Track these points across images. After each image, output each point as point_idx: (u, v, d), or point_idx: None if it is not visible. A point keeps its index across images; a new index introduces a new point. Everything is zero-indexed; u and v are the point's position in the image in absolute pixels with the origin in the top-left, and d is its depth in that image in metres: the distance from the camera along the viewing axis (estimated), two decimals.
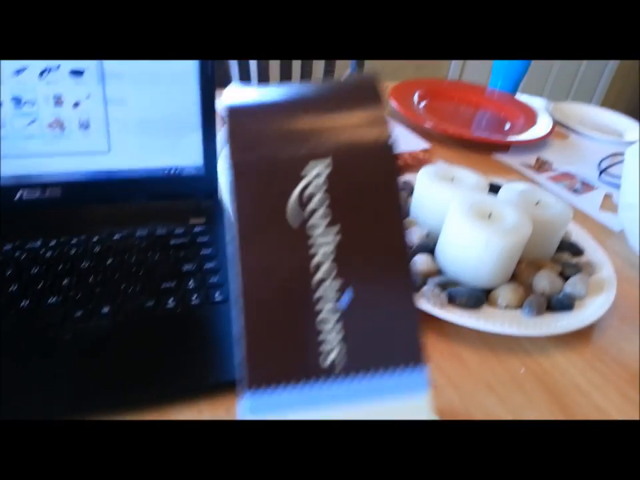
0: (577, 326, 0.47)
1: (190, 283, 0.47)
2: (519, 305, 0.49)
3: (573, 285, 0.52)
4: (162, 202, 0.58)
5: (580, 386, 0.44)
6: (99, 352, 0.40)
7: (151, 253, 0.50)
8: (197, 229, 0.55)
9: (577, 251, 0.59)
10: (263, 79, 1.48)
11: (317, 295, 0.18)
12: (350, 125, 0.19)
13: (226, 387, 0.39)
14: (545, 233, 0.55)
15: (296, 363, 0.18)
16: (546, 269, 0.54)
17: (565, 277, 0.54)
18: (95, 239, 0.51)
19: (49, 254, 0.48)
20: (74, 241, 0.50)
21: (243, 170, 0.19)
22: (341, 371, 0.18)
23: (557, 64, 2.50)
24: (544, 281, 0.52)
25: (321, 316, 0.18)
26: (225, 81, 1.54)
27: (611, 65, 2.63)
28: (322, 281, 0.18)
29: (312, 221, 0.19)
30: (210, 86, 0.58)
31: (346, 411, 0.18)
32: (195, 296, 0.46)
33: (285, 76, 1.50)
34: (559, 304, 0.50)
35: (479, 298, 0.49)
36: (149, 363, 0.39)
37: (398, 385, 0.18)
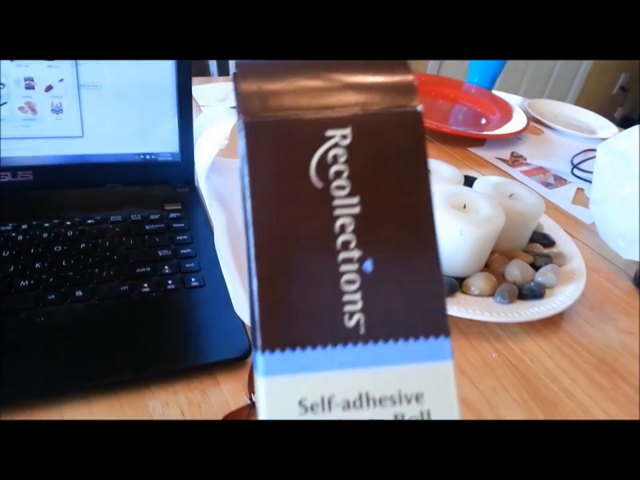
0: (547, 313, 0.48)
1: (165, 268, 0.47)
2: (492, 293, 0.50)
3: (544, 275, 0.53)
4: (137, 188, 0.58)
5: (549, 370, 0.45)
6: (73, 335, 0.39)
7: (125, 238, 0.50)
8: (172, 215, 0.54)
9: (548, 242, 0.60)
10: None
11: (342, 256, 0.18)
12: (375, 87, 0.19)
13: (201, 369, 0.39)
14: (517, 224, 0.56)
15: (320, 321, 0.17)
16: (518, 259, 0.55)
17: (537, 267, 0.55)
18: (68, 223, 0.50)
19: (20, 237, 0.47)
20: (46, 224, 0.49)
21: (257, 130, 0.18)
22: (366, 332, 0.17)
23: (533, 62, 2.54)
24: (516, 270, 0.53)
25: (345, 277, 0.18)
26: (202, 69, 1.53)
27: (585, 65, 2.69)
28: (347, 243, 0.18)
29: (337, 182, 0.18)
30: (186, 73, 0.58)
31: (366, 375, 0.17)
32: (170, 281, 0.46)
33: None
34: (530, 292, 0.51)
35: (453, 286, 0.50)
36: (123, 346, 0.39)
37: (421, 352, 0.18)
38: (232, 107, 0.88)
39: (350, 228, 0.18)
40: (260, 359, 0.17)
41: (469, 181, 0.65)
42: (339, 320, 0.18)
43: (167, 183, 0.59)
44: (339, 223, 0.18)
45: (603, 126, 1.06)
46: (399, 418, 0.17)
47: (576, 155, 0.89)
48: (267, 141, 0.18)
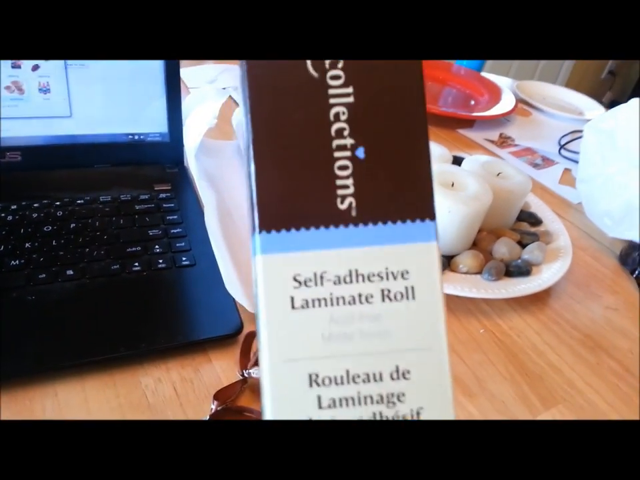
0: (533, 290, 0.49)
1: (156, 247, 0.47)
2: (479, 271, 0.51)
3: (531, 252, 0.54)
4: (126, 168, 0.57)
5: (536, 346, 0.46)
6: (64, 313, 0.40)
7: (115, 218, 0.50)
8: (162, 195, 0.54)
9: (535, 220, 0.61)
10: None
11: (336, 143, 0.19)
12: None
13: (194, 346, 0.40)
14: (505, 203, 0.57)
15: (313, 204, 0.19)
16: (505, 237, 0.55)
17: (524, 245, 0.56)
18: (58, 203, 0.50)
19: (9, 218, 0.47)
20: (36, 205, 0.49)
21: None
22: (357, 214, 0.19)
23: None
24: (503, 247, 0.53)
25: (339, 163, 0.19)
26: None
27: None
28: (341, 130, 0.19)
29: (332, 72, 0.19)
30: None
31: (356, 253, 0.19)
32: (161, 260, 0.46)
33: None
34: (517, 269, 0.51)
35: (441, 263, 0.50)
36: (115, 324, 0.39)
37: (408, 234, 0.19)
38: (222, 89, 0.87)
39: (344, 117, 0.19)
40: (257, 238, 0.18)
41: (457, 162, 0.65)
42: (332, 203, 0.19)
43: (156, 164, 0.59)
44: (333, 111, 0.19)
45: (591, 107, 1.07)
46: (386, 293, 0.19)
47: (563, 136, 0.89)
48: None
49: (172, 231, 0.50)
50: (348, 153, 0.19)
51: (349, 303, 0.18)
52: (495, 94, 0.98)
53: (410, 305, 0.19)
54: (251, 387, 0.38)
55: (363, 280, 0.19)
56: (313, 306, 0.18)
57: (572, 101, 1.09)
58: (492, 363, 0.44)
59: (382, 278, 0.19)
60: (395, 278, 0.19)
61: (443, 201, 0.50)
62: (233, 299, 0.43)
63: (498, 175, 0.59)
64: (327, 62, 0.19)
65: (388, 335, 0.18)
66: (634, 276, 0.58)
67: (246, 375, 0.37)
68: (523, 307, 0.50)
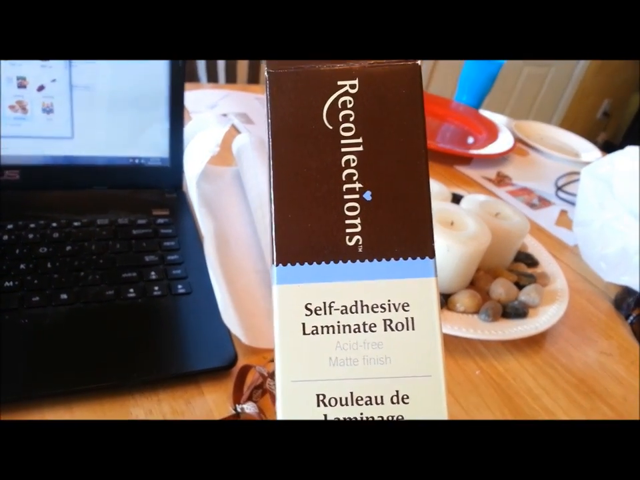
0: (529, 332, 0.49)
1: (152, 274, 0.47)
2: (476, 311, 0.51)
3: (528, 294, 0.54)
4: (125, 191, 0.57)
5: (531, 389, 0.46)
6: (56, 338, 0.39)
7: (111, 242, 0.49)
8: (159, 221, 0.54)
9: (532, 262, 0.61)
10: (231, 79, 1.47)
11: (346, 187, 0.21)
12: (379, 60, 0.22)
13: (186, 378, 0.39)
14: (503, 243, 0.57)
15: (325, 241, 0.21)
16: (502, 277, 0.55)
17: (520, 286, 0.56)
18: (54, 224, 0.50)
19: (5, 237, 0.47)
20: (32, 225, 0.49)
21: (278, 78, 0.22)
22: (363, 251, 0.21)
23: (520, 83, 2.59)
24: (500, 288, 0.53)
25: (348, 204, 0.21)
26: (190, 75, 1.53)
27: (570, 89, 2.75)
28: (351, 175, 0.21)
29: (345, 125, 0.21)
30: (179, 78, 0.58)
31: (361, 286, 0.21)
32: (156, 287, 0.45)
33: (252, 77, 1.50)
34: (514, 311, 0.51)
35: (440, 297, 0.50)
36: (107, 351, 0.39)
37: (409, 269, 0.21)
38: (222, 115, 0.88)
39: (354, 163, 0.21)
40: (274, 270, 0.21)
41: (456, 199, 0.66)
42: (341, 240, 0.21)
43: (155, 188, 0.59)
44: (344, 158, 0.21)
45: (587, 149, 1.08)
46: (388, 323, 0.20)
47: (560, 177, 0.90)
48: (286, 88, 0.21)
49: (169, 257, 0.49)
50: (357, 196, 0.21)
51: (354, 331, 0.20)
52: (492, 132, 1.00)
53: (410, 334, 0.20)
54: None
55: (367, 310, 0.20)
56: (322, 332, 0.20)
57: (568, 142, 1.11)
58: (487, 406, 0.43)
59: (384, 309, 0.20)
60: (396, 309, 0.20)
61: (442, 240, 0.50)
62: (228, 329, 0.42)
63: (496, 215, 0.59)
64: (340, 115, 0.21)
65: (389, 362, 0.20)
66: (628, 321, 0.58)
67: (239, 409, 0.36)
68: (519, 349, 0.50)
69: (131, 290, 0.44)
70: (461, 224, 0.53)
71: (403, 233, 0.21)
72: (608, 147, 0.75)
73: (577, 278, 0.64)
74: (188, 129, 0.63)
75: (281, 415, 0.20)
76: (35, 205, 0.52)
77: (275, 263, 0.21)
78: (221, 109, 0.91)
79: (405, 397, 0.20)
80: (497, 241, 0.55)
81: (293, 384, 0.20)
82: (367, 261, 0.21)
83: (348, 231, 0.21)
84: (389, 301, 0.20)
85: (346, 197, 0.21)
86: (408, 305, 0.20)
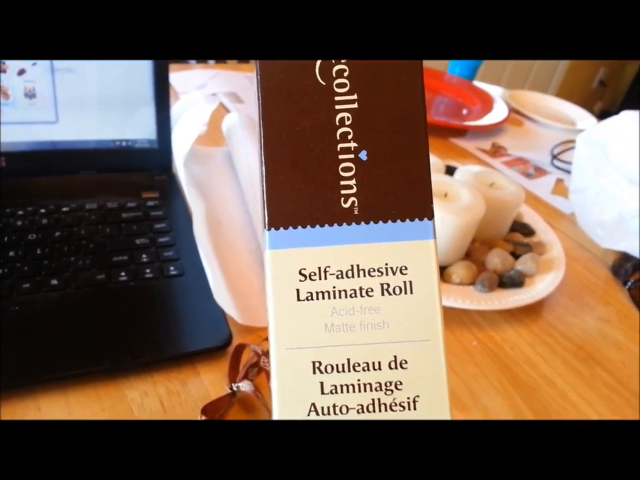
0: (526, 301, 0.49)
1: (143, 256, 0.46)
2: (472, 282, 0.50)
3: (524, 263, 0.53)
4: (113, 175, 0.56)
5: (529, 358, 0.46)
6: (48, 324, 0.38)
7: (101, 226, 0.49)
8: (149, 203, 0.53)
9: (528, 231, 0.61)
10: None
11: (340, 146, 0.20)
12: None
13: (181, 359, 0.39)
14: (498, 213, 0.56)
15: (319, 203, 0.20)
16: (498, 247, 0.55)
17: (517, 256, 0.55)
18: (43, 211, 0.49)
19: None
20: (20, 212, 0.48)
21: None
22: (359, 213, 0.20)
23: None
24: (496, 258, 0.53)
25: (343, 164, 0.20)
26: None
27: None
28: (346, 134, 0.20)
29: (339, 80, 0.20)
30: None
31: (358, 250, 0.20)
32: (148, 270, 0.45)
33: None
34: (510, 281, 0.51)
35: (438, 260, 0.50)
36: (101, 335, 0.38)
37: (407, 232, 0.20)
38: (211, 94, 0.87)
39: (348, 121, 0.20)
40: (266, 235, 0.20)
41: (450, 171, 0.65)
42: (336, 202, 0.20)
43: (144, 170, 0.58)
44: (339, 116, 0.20)
45: (582, 117, 1.07)
46: (385, 287, 0.20)
47: (556, 146, 0.89)
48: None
49: (160, 239, 0.49)
50: (352, 156, 0.20)
51: (351, 296, 0.20)
52: (487, 103, 0.98)
53: (408, 299, 0.20)
54: (240, 400, 0.37)
55: (364, 275, 0.20)
56: (317, 298, 0.20)
57: (564, 111, 1.10)
58: (485, 375, 0.43)
59: (382, 273, 0.20)
60: (394, 273, 0.20)
61: (435, 212, 0.49)
62: (222, 310, 0.42)
63: (491, 185, 0.58)
64: (334, 70, 0.20)
65: (387, 327, 0.20)
66: (626, 287, 0.57)
67: (235, 388, 0.36)
68: (516, 318, 0.50)
69: (123, 273, 0.44)
70: (454, 195, 0.53)
71: (400, 193, 0.20)
72: (604, 116, 0.73)
73: (573, 246, 0.64)
74: (175, 110, 0.62)
75: (275, 384, 0.19)
76: (23, 192, 0.52)
77: (266, 227, 0.20)
78: (210, 88, 0.89)
79: (403, 362, 0.20)
80: (492, 211, 0.54)
81: (288, 351, 0.19)
82: (363, 223, 0.20)
83: (343, 192, 0.20)
84: (386, 264, 0.20)
85: (340, 156, 0.20)
86: (406, 269, 0.20)
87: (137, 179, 0.57)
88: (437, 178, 0.55)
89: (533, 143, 0.92)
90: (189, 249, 0.48)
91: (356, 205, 0.20)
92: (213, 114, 0.63)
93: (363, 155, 0.20)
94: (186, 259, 0.47)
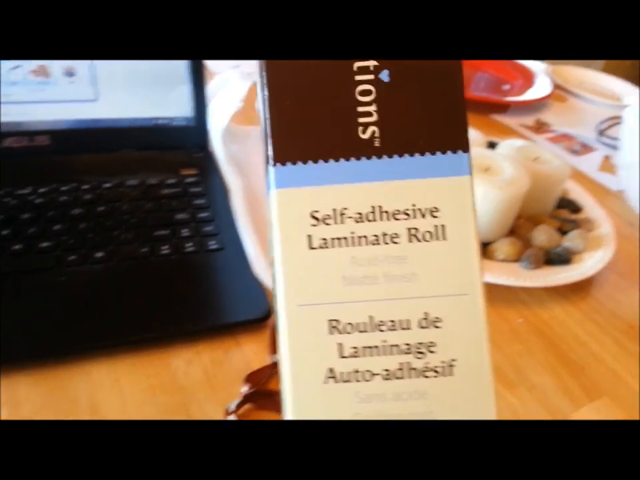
0: (575, 278, 0.47)
1: (183, 231, 0.46)
2: (517, 259, 0.49)
3: (572, 240, 0.51)
4: (152, 152, 0.57)
5: (578, 336, 0.44)
6: (95, 294, 0.39)
7: (142, 202, 0.49)
8: (188, 180, 0.53)
9: (575, 208, 0.59)
10: None
11: (358, 65, 0.17)
12: None
13: (223, 330, 0.39)
14: (543, 188, 0.54)
15: (333, 133, 0.17)
16: (544, 224, 0.53)
17: (564, 233, 0.53)
18: (85, 187, 0.50)
19: (39, 200, 0.47)
20: (64, 188, 0.49)
21: None
22: (381, 145, 0.17)
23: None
24: (542, 235, 0.51)
25: (361, 86, 0.17)
26: None
27: None
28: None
29: None
30: None
31: (380, 188, 0.17)
32: (189, 244, 0.45)
33: None
34: (557, 258, 0.49)
35: (475, 201, 0.48)
36: (145, 306, 0.39)
37: (438, 167, 0.17)
38: (246, 73, 0.86)
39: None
40: (271, 171, 0.17)
41: (492, 147, 0.63)
42: (352, 132, 0.17)
43: (182, 148, 0.58)
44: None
45: (629, 92, 1.02)
46: (413, 232, 0.17)
47: (602, 122, 0.86)
48: None
49: (199, 215, 0.49)
50: (371, 76, 0.17)
51: (372, 243, 0.17)
52: (528, 78, 0.95)
53: (440, 245, 0.17)
54: None
55: (388, 218, 0.17)
56: (333, 246, 0.17)
57: (609, 86, 1.05)
58: (531, 353, 0.42)
59: (409, 215, 0.17)
60: (423, 216, 0.17)
61: (477, 186, 0.48)
62: (261, 283, 0.42)
63: (535, 159, 0.56)
64: None
65: (416, 279, 0.17)
66: None
67: (275, 359, 0.36)
68: (564, 296, 0.48)
69: (164, 247, 0.44)
70: (497, 169, 0.51)
71: (429, 121, 0.17)
72: None
73: (622, 223, 0.61)
74: (211, 88, 0.62)
75: (286, 345, 0.16)
76: (66, 169, 0.52)
77: (271, 161, 0.17)
78: (245, 67, 0.89)
79: (436, 320, 0.17)
80: (537, 186, 0.52)
81: (300, 308, 0.17)
82: (385, 157, 0.17)
83: (361, 120, 0.17)
84: (413, 205, 0.17)
85: (357, 77, 0.17)
86: (437, 210, 0.17)
87: (176, 156, 0.57)
88: (479, 152, 0.53)
89: (578, 119, 0.88)
90: (228, 224, 0.48)
91: (377, 135, 0.17)
92: (249, 93, 0.63)
93: (385, 76, 0.17)
94: (225, 233, 0.47)
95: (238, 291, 0.41)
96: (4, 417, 0.32)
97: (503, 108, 0.86)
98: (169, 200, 0.50)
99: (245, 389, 0.34)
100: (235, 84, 0.63)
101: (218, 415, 0.33)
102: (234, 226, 0.48)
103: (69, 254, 0.42)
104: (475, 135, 0.61)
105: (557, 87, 0.98)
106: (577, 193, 0.61)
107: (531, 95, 0.88)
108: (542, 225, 0.53)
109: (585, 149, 0.79)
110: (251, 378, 0.35)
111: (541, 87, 0.91)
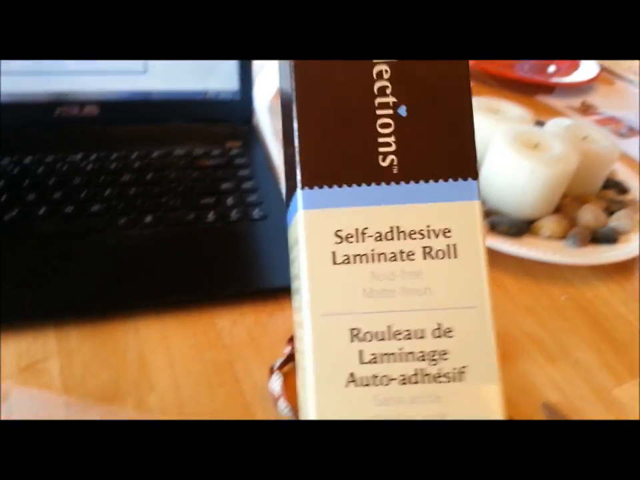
0: (621, 257, 0.46)
1: (228, 200, 0.47)
2: (562, 237, 0.48)
3: (618, 219, 0.50)
4: (198, 125, 0.58)
5: (622, 315, 0.43)
6: (144, 257, 0.40)
7: (189, 171, 0.50)
8: (233, 152, 0.54)
9: (622, 189, 0.57)
10: None
11: (378, 101, 0.19)
12: None
13: (266, 294, 0.40)
14: (591, 168, 0.53)
15: (356, 161, 0.19)
16: (591, 203, 0.52)
17: (610, 213, 0.52)
18: (134, 155, 0.51)
19: (90, 167, 0.48)
20: (113, 156, 0.50)
21: None
22: (399, 172, 0.19)
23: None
24: (589, 214, 0.50)
25: (381, 120, 0.19)
26: None
27: None
28: (384, 88, 0.19)
29: None
30: None
31: (398, 210, 0.19)
32: (234, 212, 0.46)
33: None
34: (603, 237, 0.48)
35: (521, 227, 0.48)
36: (192, 269, 0.40)
37: (450, 192, 0.19)
38: None
39: (387, 75, 0.19)
40: (299, 194, 0.19)
41: (539, 125, 0.62)
42: (373, 160, 0.19)
43: (227, 121, 0.59)
44: (376, 69, 0.19)
45: None
46: (427, 251, 0.19)
47: None
48: None
49: (243, 185, 0.50)
50: (390, 111, 0.19)
51: (390, 260, 0.19)
52: (575, 60, 0.92)
53: (452, 263, 0.19)
54: None
55: (405, 237, 0.19)
56: (354, 262, 0.19)
57: None
58: (575, 330, 0.41)
59: (423, 235, 0.19)
60: (436, 236, 0.19)
61: (525, 162, 0.47)
62: None
63: (584, 138, 0.55)
64: None
65: (430, 293, 0.19)
66: None
67: None
68: (609, 275, 0.47)
69: (210, 214, 0.45)
70: (545, 146, 0.50)
71: (442, 151, 0.19)
72: None
73: None
74: (257, 63, 0.62)
75: (311, 352, 0.18)
76: (115, 138, 0.54)
77: (300, 185, 0.19)
78: None
79: (448, 330, 0.18)
80: (585, 165, 0.51)
81: (324, 318, 0.18)
82: (402, 182, 0.19)
83: (381, 150, 0.19)
84: (428, 226, 0.19)
85: (378, 112, 0.19)
86: (449, 231, 0.19)
87: (221, 129, 0.58)
88: (528, 128, 0.52)
89: (626, 103, 0.86)
90: (271, 195, 0.49)
91: (395, 163, 0.19)
92: None
93: (402, 111, 0.19)
94: (268, 203, 0.48)
95: (280, 258, 0.42)
96: (58, 366, 0.33)
97: (549, 89, 0.84)
98: (214, 170, 0.51)
99: (288, 349, 0.35)
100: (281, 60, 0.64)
101: (263, 372, 0.34)
102: (276, 197, 0.48)
103: (119, 218, 0.43)
104: (523, 113, 0.60)
105: (603, 69, 0.96)
106: (625, 174, 0.60)
107: (577, 77, 0.86)
108: (588, 204, 0.52)
109: (632, 132, 0.77)
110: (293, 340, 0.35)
111: (587, 69, 0.89)
